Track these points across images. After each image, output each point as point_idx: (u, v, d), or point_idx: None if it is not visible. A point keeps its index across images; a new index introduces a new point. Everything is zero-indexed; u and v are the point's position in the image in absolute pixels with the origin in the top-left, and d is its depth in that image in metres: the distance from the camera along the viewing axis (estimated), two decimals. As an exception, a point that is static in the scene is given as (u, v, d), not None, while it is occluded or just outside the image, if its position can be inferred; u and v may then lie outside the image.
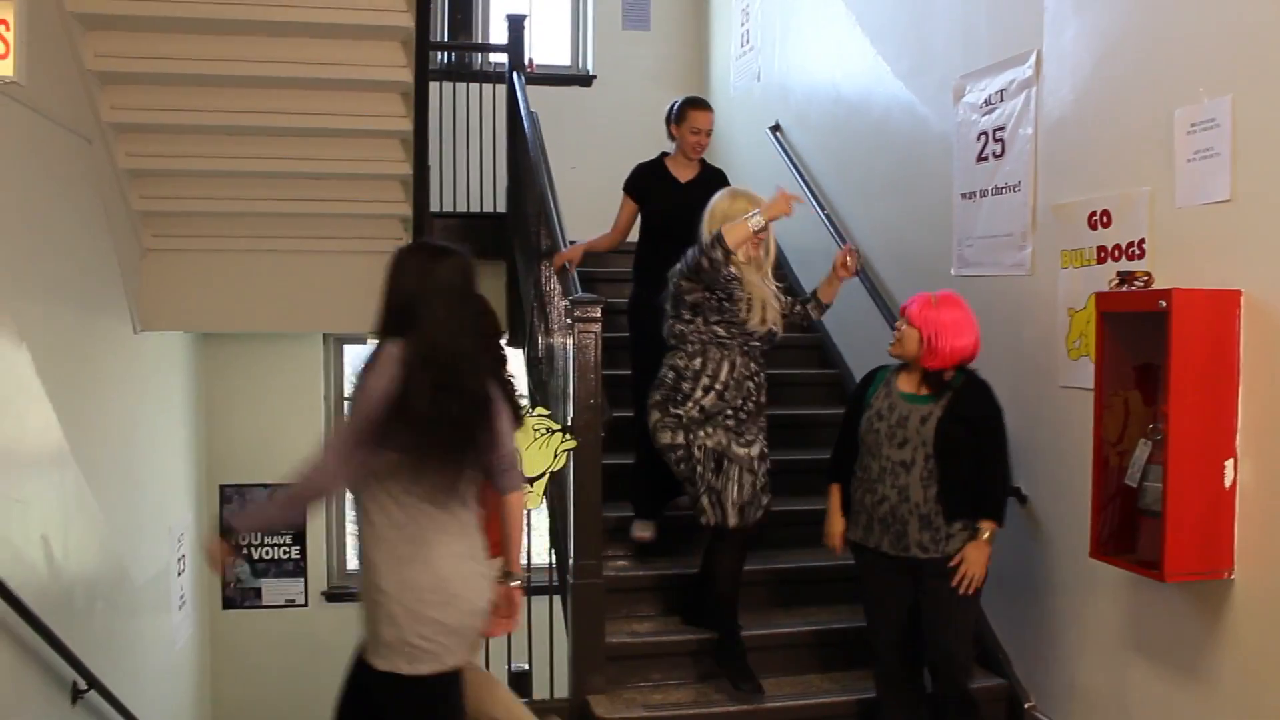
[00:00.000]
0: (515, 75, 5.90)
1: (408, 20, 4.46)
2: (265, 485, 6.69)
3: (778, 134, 6.11)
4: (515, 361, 4.73)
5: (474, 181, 6.48)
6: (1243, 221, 2.91)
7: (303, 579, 7.06)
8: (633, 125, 6.19)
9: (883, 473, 3.33)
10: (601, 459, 3.82)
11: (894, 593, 3.40)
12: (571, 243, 4.38)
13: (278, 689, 6.74)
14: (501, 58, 6.40)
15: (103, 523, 4.60)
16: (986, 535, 3.26)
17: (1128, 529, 3.13)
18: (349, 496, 2.68)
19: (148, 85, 4.48)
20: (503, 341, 3.39)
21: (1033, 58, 3.75)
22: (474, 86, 6.62)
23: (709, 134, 4.38)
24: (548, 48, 7.60)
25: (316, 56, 4.51)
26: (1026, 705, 3.80)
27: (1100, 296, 3.21)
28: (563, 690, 3.93)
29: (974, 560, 3.25)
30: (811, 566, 4.28)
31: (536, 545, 4.57)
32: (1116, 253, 3.35)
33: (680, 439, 3.64)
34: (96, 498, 4.52)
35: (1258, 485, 2.89)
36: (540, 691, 4.07)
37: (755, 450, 3.67)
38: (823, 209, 5.39)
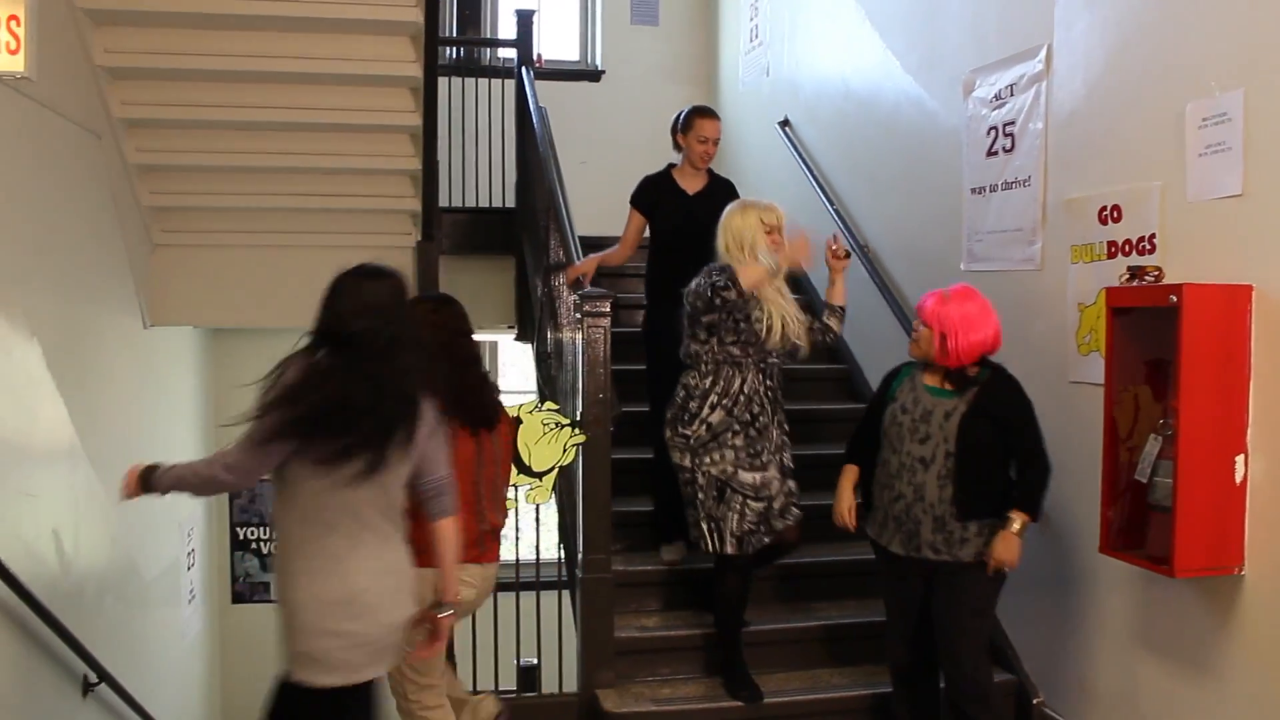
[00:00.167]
0: (524, 70, 5.90)
1: (417, 15, 4.46)
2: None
3: (787, 129, 6.09)
4: (523, 357, 4.71)
5: (483, 176, 6.48)
6: (1254, 216, 2.90)
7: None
8: (641, 120, 6.20)
9: (901, 469, 3.29)
10: (611, 453, 3.82)
11: (906, 592, 3.39)
12: (585, 252, 4.36)
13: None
14: (510, 53, 6.40)
15: (113, 517, 4.61)
16: (1016, 526, 3.16)
17: (1138, 524, 3.12)
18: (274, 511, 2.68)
19: (157, 80, 4.49)
20: (481, 369, 3.34)
21: (1043, 52, 3.74)
22: (483, 82, 6.63)
23: (716, 143, 4.36)
24: (556, 43, 7.59)
25: (326, 51, 4.51)
26: (1035, 701, 3.80)
27: (1110, 291, 3.20)
28: (571, 684, 3.94)
29: (1002, 549, 3.16)
30: (821, 561, 4.29)
31: (545, 540, 4.58)
32: (1127, 248, 3.34)
33: (687, 461, 3.62)
34: (107, 492, 4.52)
35: (1268, 481, 2.88)
36: (549, 686, 4.08)
37: (772, 472, 3.61)
38: (832, 204, 5.38)
